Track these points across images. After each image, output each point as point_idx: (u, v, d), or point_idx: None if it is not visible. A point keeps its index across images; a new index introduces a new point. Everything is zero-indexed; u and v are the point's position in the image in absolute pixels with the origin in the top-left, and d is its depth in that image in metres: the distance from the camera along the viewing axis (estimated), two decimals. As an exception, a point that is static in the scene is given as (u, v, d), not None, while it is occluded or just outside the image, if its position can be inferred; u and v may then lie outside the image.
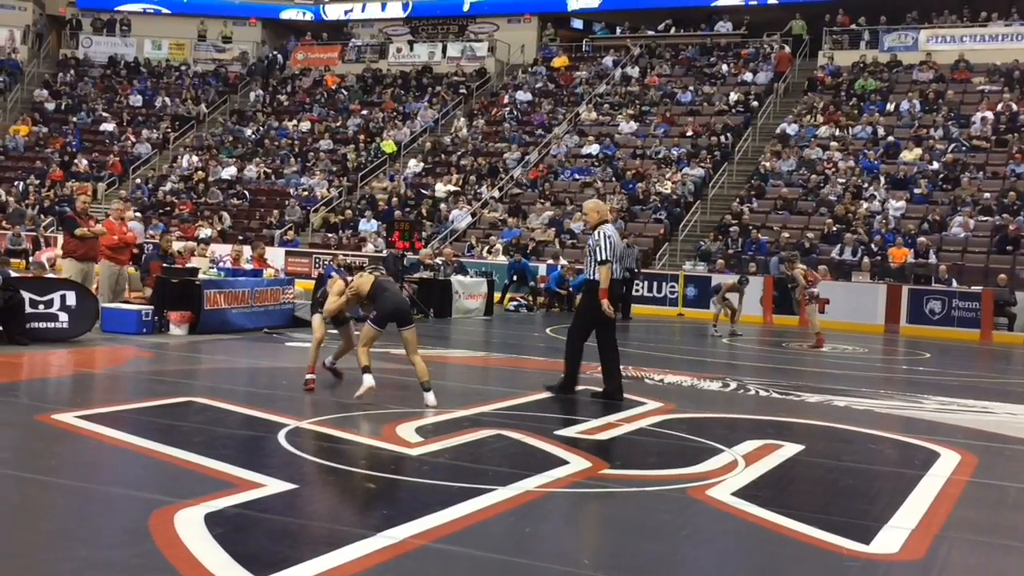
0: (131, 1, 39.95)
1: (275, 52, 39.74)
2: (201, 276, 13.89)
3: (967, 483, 6.55)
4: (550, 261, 23.34)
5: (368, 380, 8.53)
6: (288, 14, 40.35)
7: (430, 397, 8.43)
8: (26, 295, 11.62)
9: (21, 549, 4.52)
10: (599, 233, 9.29)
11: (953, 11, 31.27)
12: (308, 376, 9.06)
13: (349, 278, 9.56)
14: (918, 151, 26.01)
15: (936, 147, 26.05)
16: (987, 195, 23.70)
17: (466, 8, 37.87)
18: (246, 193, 30.49)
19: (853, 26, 32.17)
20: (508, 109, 33.13)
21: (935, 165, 25.33)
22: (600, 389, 9.43)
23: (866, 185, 25.12)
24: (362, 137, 32.92)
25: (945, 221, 23.09)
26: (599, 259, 9.20)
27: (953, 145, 25.95)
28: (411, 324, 8.68)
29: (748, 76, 31.64)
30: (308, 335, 13.79)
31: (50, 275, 13.78)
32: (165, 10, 39.92)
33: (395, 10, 38.72)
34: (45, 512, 5.21)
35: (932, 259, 21.47)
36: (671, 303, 22.18)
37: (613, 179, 27.60)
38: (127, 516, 5.01)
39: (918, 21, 31.42)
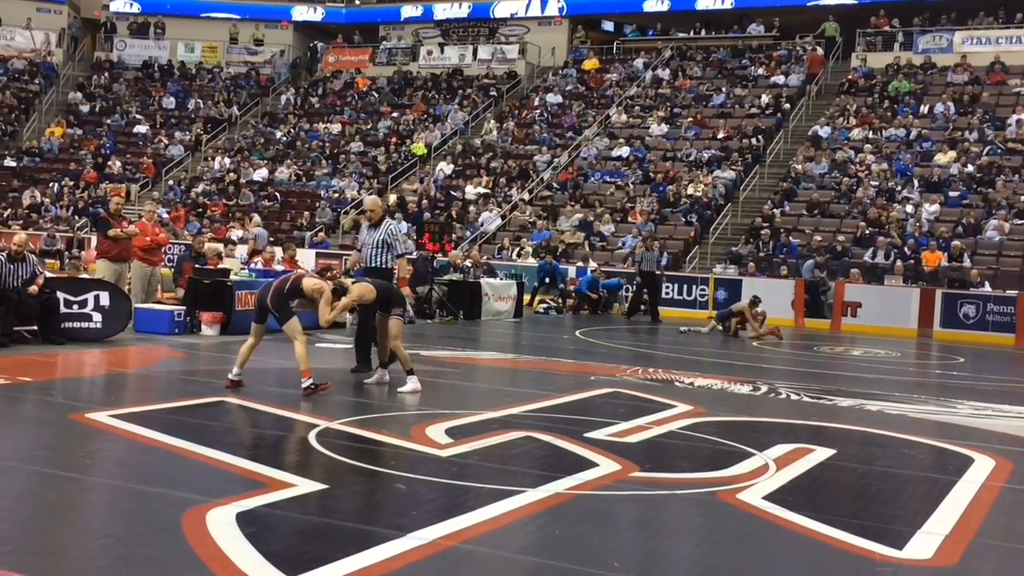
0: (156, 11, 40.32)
1: (315, 44, 40.07)
2: (233, 277, 14.00)
3: (1002, 489, 6.48)
4: (580, 263, 23.29)
5: (415, 382, 8.96)
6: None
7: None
8: (61, 295, 11.78)
9: (57, 546, 4.58)
10: (392, 227, 10.19)
11: (988, 13, 30.90)
12: (312, 382, 8.63)
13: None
14: (952, 154, 25.74)
15: (971, 150, 25.78)
16: (1023, 198, 23.43)
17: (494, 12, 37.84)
18: (277, 195, 30.66)
19: (887, 28, 31.90)
20: (538, 111, 33.11)
21: (969, 168, 25.06)
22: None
23: (899, 188, 24.89)
24: (392, 139, 33.03)
25: (979, 224, 22.84)
26: (398, 252, 10.12)
27: (988, 148, 25.66)
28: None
29: (780, 78, 31.42)
30: (340, 336, 13.95)
31: (84, 276, 13.94)
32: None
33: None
34: (80, 510, 5.28)
35: (966, 263, 21.23)
36: (701, 306, 22.06)
37: (643, 182, 27.53)
38: (160, 514, 5.05)
39: (953, 23, 31.10)
